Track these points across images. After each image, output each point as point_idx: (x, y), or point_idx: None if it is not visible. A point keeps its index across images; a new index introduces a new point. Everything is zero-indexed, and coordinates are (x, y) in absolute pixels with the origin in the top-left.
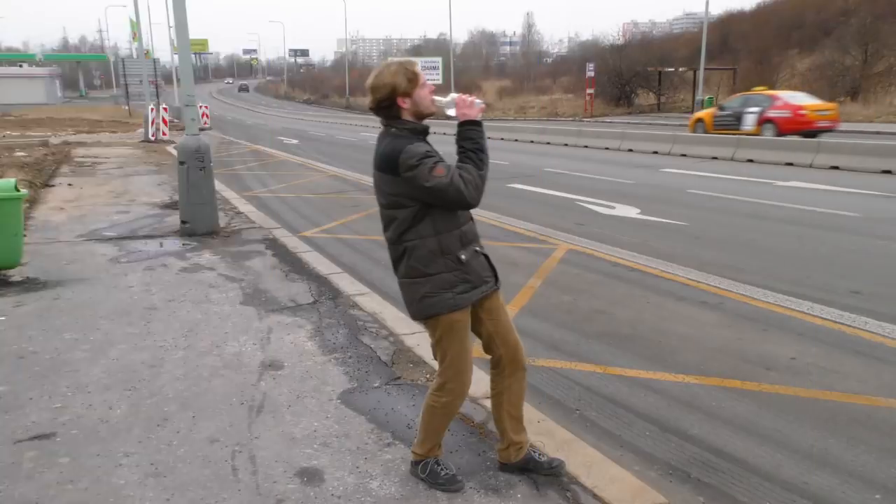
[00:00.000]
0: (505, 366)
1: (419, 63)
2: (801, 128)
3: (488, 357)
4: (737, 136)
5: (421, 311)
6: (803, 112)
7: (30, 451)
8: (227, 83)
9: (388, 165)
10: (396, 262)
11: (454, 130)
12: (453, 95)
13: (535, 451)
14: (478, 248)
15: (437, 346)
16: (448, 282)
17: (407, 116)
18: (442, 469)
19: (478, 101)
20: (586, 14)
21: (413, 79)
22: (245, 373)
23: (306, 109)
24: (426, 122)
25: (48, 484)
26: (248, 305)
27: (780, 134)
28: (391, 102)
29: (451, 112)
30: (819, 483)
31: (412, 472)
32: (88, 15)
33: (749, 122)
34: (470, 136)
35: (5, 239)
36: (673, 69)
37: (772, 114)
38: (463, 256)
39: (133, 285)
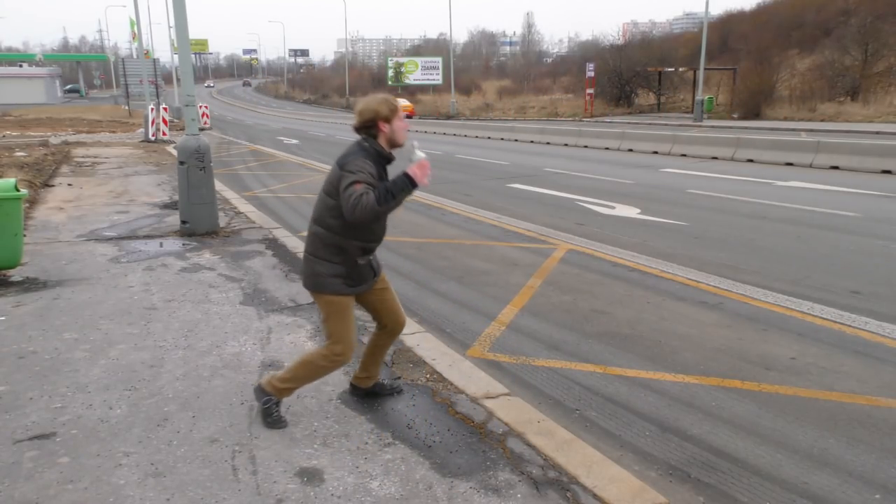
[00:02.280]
0: (390, 331)
1: (419, 63)
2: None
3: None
4: (736, 136)
5: (314, 285)
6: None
7: (30, 451)
8: (209, 86)
9: (341, 161)
10: (310, 239)
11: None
12: (423, 156)
13: (381, 380)
14: (372, 258)
15: (325, 322)
16: (338, 273)
17: (382, 141)
18: (275, 411)
19: (428, 178)
20: (586, 14)
21: (394, 110)
22: (245, 373)
23: (306, 109)
24: (394, 153)
25: (48, 484)
26: (248, 305)
27: None
28: (373, 125)
29: (414, 159)
30: (819, 483)
31: (255, 393)
32: (88, 15)
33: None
34: (401, 186)
35: (5, 239)
36: (673, 69)
37: None
38: (360, 262)
39: (133, 285)
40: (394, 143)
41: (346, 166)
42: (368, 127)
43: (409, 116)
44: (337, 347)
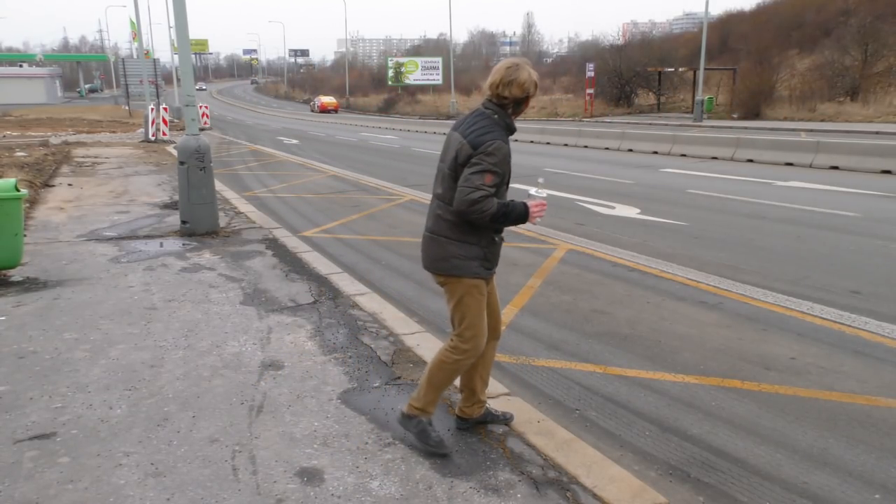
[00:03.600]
0: (491, 334)
1: (419, 63)
2: (324, 109)
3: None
4: (736, 136)
5: (447, 269)
6: (323, 103)
7: (30, 451)
8: (201, 89)
9: (472, 137)
10: (436, 219)
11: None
12: (544, 195)
13: (489, 406)
14: (498, 239)
15: (456, 308)
16: (476, 254)
17: (516, 115)
18: (433, 431)
19: (538, 219)
20: (586, 14)
21: (534, 91)
22: (245, 373)
23: (306, 109)
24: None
25: (48, 484)
26: (248, 305)
27: (319, 112)
28: (526, 100)
29: (534, 192)
30: (819, 483)
31: (401, 423)
32: (88, 15)
33: (315, 107)
34: (515, 217)
35: (5, 239)
36: (673, 69)
37: (317, 103)
38: (496, 238)
39: (133, 285)
40: (517, 114)
41: (484, 147)
42: (519, 101)
43: (334, 111)
44: (467, 334)
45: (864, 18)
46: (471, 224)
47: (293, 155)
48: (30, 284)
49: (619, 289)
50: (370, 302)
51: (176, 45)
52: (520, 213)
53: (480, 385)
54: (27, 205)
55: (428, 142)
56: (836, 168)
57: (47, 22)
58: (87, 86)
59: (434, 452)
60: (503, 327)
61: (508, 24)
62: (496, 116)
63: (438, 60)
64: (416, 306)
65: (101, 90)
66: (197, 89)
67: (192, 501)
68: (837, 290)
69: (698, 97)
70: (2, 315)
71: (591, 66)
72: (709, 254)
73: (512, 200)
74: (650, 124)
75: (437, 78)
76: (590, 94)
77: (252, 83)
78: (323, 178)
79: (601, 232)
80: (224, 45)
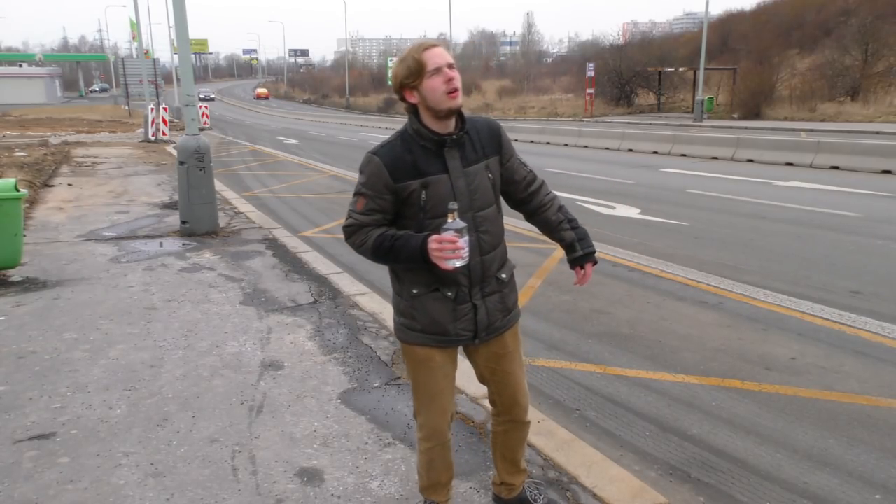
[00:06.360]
0: (500, 412)
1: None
2: (259, 97)
3: None
4: (736, 136)
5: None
6: (258, 92)
7: (30, 451)
8: (209, 98)
9: None
10: None
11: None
12: (454, 228)
13: (531, 490)
14: (450, 294)
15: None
16: (400, 309)
17: (424, 114)
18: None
19: (451, 262)
20: (586, 14)
21: (417, 69)
22: (245, 373)
23: (306, 109)
24: (449, 129)
25: (48, 484)
26: (247, 305)
27: (255, 99)
28: (401, 97)
29: (449, 226)
30: (819, 483)
31: None
32: (88, 15)
33: (254, 96)
34: (407, 255)
35: (5, 239)
36: (673, 69)
37: (255, 93)
38: (414, 291)
39: (133, 285)
40: (439, 113)
41: (362, 161)
42: (404, 102)
43: (266, 98)
44: (416, 404)
45: (864, 18)
46: (392, 272)
47: (293, 155)
48: (29, 284)
49: (620, 289)
50: (370, 302)
51: (176, 45)
52: (412, 252)
53: (502, 463)
54: (27, 205)
55: None
56: (836, 168)
57: (47, 22)
58: (96, 86)
59: None
60: None
61: (508, 24)
62: (407, 125)
63: None
64: None
65: (110, 90)
66: (201, 98)
67: (191, 501)
68: (838, 290)
69: (698, 97)
70: (1, 315)
71: (591, 65)
72: (709, 254)
73: (408, 233)
74: (650, 124)
75: None
76: (590, 94)
77: (273, 80)
78: (323, 177)
79: (601, 232)
80: (224, 45)
